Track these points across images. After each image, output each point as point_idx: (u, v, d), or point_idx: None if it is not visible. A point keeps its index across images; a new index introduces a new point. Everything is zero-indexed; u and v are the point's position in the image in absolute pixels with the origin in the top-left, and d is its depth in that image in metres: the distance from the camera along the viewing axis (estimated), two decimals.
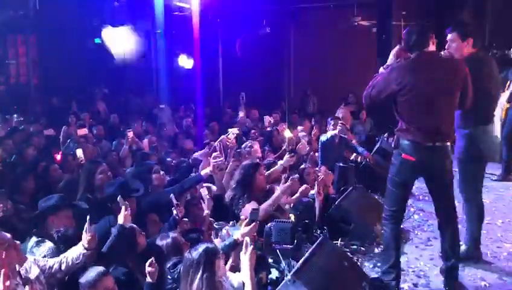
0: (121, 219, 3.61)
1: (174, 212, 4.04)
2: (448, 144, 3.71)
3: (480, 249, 4.39)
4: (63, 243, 3.51)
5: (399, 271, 3.89)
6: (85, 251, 3.21)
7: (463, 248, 4.24)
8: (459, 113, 3.96)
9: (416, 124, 3.60)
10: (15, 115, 9.27)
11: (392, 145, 3.89)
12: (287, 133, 6.99)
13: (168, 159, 6.06)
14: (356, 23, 10.68)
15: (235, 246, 3.58)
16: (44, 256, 3.39)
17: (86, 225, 3.22)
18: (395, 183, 3.79)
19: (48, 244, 3.57)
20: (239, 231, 3.63)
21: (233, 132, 6.29)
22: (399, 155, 3.70)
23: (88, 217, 3.24)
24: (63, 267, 3.20)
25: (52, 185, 5.27)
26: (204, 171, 4.67)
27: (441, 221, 3.91)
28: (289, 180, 4.59)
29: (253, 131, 8.21)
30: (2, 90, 13.41)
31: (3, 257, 2.80)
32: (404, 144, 3.67)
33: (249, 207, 4.29)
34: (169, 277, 3.40)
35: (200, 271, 2.92)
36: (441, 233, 3.93)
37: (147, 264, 3.28)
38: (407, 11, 8.76)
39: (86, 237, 3.21)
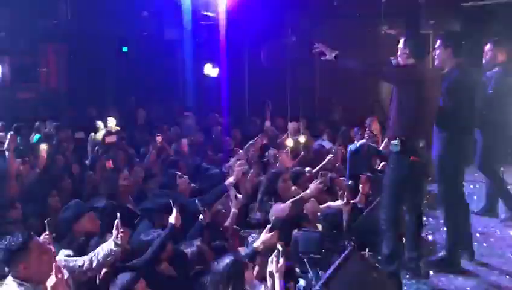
0: (172, 219, 3.65)
1: (201, 217, 4.05)
2: None
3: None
4: (79, 253, 3.54)
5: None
6: (116, 248, 3.24)
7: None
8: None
9: (420, 125, 3.89)
10: (48, 122, 9.48)
11: (397, 150, 3.93)
12: (289, 142, 7.07)
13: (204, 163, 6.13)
14: (383, 32, 10.58)
15: (255, 255, 3.58)
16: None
17: (117, 221, 3.25)
18: (401, 186, 3.97)
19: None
20: (259, 240, 3.63)
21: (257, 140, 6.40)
22: (406, 158, 3.86)
23: (118, 214, 3.29)
24: (94, 265, 3.23)
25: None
26: (229, 181, 4.70)
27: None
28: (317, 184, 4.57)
29: (280, 140, 8.20)
30: (33, 97, 13.76)
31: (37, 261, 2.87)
32: (412, 147, 3.86)
33: (277, 206, 4.33)
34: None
35: (231, 285, 2.92)
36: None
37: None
38: (436, 20, 8.64)
39: (116, 233, 3.23)
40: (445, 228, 4.55)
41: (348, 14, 11.44)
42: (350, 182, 5.98)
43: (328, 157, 6.42)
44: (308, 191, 4.53)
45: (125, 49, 13.08)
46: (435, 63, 4.31)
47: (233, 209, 4.48)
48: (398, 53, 4.07)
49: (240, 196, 5.17)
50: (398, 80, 3.93)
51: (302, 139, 7.17)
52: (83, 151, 7.86)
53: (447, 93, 4.10)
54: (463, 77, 4.13)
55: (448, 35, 4.33)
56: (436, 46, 4.29)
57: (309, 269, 3.88)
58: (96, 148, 7.57)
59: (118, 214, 3.30)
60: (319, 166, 6.15)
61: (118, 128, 7.67)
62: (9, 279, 2.91)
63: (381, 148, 6.68)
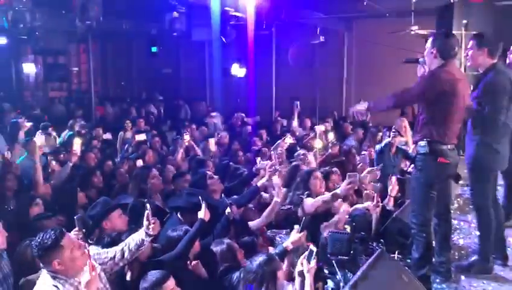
0: (201, 214, 3.71)
1: (227, 211, 4.06)
2: None
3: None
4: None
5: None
6: (147, 238, 3.29)
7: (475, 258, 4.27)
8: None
9: (450, 128, 3.80)
10: (78, 120, 9.70)
11: (424, 152, 3.87)
12: (317, 144, 7.01)
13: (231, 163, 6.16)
14: (413, 32, 10.38)
15: (285, 254, 3.57)
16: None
17: (147, 212, 3.30)
18: (429, 188, 3.89)
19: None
20: (289, 239, 3.63)
21: (286, 139, 6.40)
22: (433, 160, 3.78)
23: (148, 205, 3.34)
24: (125, 255, 3.27)
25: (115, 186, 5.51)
26: (261, 182, 4.72)
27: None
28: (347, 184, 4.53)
29: (305, 141, 8.18)
30: (65, 96, 14.10)
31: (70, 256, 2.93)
32: (440, 148, 3.78)
33: (306, 201, 4.32)
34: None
35: (264, 284, 2.92)
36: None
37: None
38: (468, 20, 8.44)
39: (147, 224, 3.27)
40: (477, 232, 4.45)
41: (378, 14, 11.30)
42: (378, 183, 5.92)
43: (367, 170, 6.28)
44: (338, 191, 4.51)
45: (154, 49, 13.27)
46: (468, 64, 4.22)
47: (275, 199, 4.50)
48: (425, 52, 3.97)
49: (266, 195, 5.20)
50: (428, 99, 3.80)
51: (330, 135, 7.12)
52: (111, 150, 8.01)
53: (483, 95, 4.00)
54: (499, 78, 4.03)
55: (483, 36, 4.22)
56: (468, 46, 4.20)
57: (337, 271, 3.85)
58: (126, 146, 7.71)
59: (148, 205, 3.35)
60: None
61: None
62: (44, 271, 2.99)
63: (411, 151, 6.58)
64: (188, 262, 3.64)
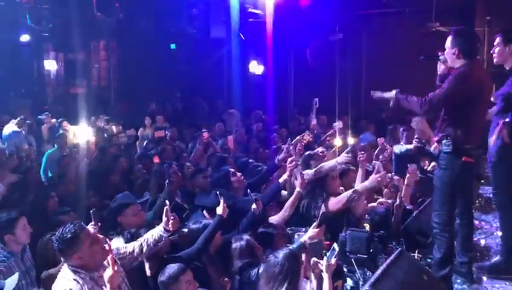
0: (219, 210, 3.72)
1: (253, 206, 4.05)
2: None
3: None
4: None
5: None
6: (166, 233, 3.30)
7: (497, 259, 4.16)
8: None
9: (474, 127, 3.76)
10: (101, 116, 9.80)
11: (448, 151, 3.80)
12: (337, 142, 6.94)
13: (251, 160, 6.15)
14: (434, 30, 10.22)
15: (302, 249, 3.56)
16: None
17: (166, 208, 3.32)
18: (453, 188, 3.82)
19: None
20: (307, 234, 3.61)
21: (305, 136, 6.36)
22: (458, 159, 3.72)
23: (167, 202, 3.36)
24: (144, 250, 3.30)
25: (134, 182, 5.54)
26: (283, 178, 4.68)
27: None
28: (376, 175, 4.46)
29: (324, 138, 8.13)
30: (85, 93, 14.26)
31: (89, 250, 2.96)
32: (465, 147, 3.73)
33: (332, 199, 4.28)
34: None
35: (288, 279, 2.90)
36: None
37: None
38: (492, 16, 8.27)
39: (166, 220, 3.30)
40: (499, 232, 4.37)
41: (398, 11, 11.16)
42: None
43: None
44: (367, 183, 4.45)
45: (173, 46, 13.34)
46: (494, 61, 4.13)
47: (297, 189, 4.46)
48: (445, 52, 3.88)
49: (285, 192, 5.16)
50: (456, 102, 3.71)
51: (351, 141, 7.04)
52: (133, 147, 8.08)
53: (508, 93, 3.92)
54: None
55: (510, 32, 4.12)
56: (495, 43, 4.11)
57: (356, 269, 3.83)
58: (145, 142, 7.76)
59: (167, 201, 3.37)
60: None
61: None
62: (65, 265, 3.03)
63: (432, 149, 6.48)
64: (222, 278, 3.62)
